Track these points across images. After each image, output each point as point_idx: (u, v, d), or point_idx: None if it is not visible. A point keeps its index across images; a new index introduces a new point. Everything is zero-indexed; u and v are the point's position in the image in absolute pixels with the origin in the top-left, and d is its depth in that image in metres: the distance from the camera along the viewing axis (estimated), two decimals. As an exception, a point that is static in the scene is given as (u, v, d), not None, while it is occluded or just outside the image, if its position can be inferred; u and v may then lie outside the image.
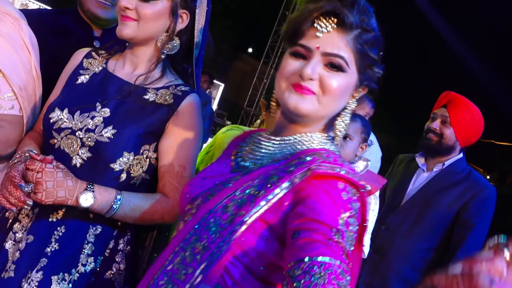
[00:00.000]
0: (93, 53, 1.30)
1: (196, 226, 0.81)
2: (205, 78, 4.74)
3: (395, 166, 2.47)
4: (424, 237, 2.14)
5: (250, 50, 11.73)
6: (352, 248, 0.76)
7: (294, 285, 0.66)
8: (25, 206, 1.00)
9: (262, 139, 0.94)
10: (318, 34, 0.83)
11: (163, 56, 1.23)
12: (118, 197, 1.09)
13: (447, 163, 2.20)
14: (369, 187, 1.74)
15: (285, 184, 0.78)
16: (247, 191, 0.81)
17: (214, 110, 3.56)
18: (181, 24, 1.22)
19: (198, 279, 0.77)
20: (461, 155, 2.21)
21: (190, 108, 1.20)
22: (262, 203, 0.77)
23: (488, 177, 9.87)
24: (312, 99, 0.83)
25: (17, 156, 1.13)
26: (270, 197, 0.77)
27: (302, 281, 0.65)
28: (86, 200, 1.05)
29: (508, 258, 0.38)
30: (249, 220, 0.77)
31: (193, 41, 1.27)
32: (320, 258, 0.67)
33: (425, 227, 2.14)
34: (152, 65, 1.22)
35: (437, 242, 2.13)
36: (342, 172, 0.78)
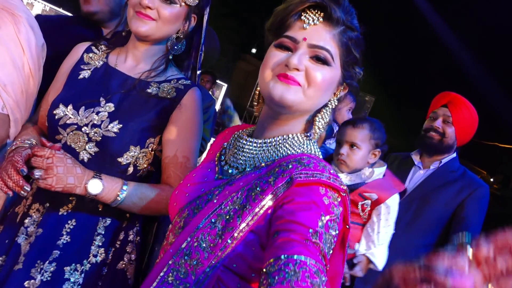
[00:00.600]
0: (93, 48, 1.31)
1: (185, 242, 0.82)
2: (208, 78, 4.75)
3: (388, 165, 2.50)
4: (422, 234, 2.16)
5: (253, 50, 11.71)
6: (331, 252, 0.78)
7: (269, 281, 0.67)
8: (22, 192, 1.01)
9: (244, 142, 0.93)
10: (305, 25, 0.83)
11: (171, 57, 1.27)
12: (124, 187, 1.11)
13: (443, 161, 2.22)
14: (375, 196, 1.64)
15: (269, 197, 0.79)
16: (232, 205, 0.81)
17: (217, 110, 3.57)
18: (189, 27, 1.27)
19: None
20: (455, 154, 2.25)
21: (192, 101, 1.23)
22: (249, 218, 0.78)
23: (491, 179, 9.82)
24: (297, 90, 0.83)
25: (16, 143, 1.15)
26: (256, 210, 0.79)
27: (276, 277, 0.66)
28: (95, 187, 1.06)
29: (470, 256, 0.39)
30: (239, 235, 0.78)
31: (198, 42, 1.31)
32: (295, 256, 0.68)
33: (422, 224, 2.16)
34: (157, 61, 1.25)
35: (434, 239, 2.15)
36: (323, 178, 0.79)
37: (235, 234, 0.78)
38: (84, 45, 1.32)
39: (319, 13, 0.84)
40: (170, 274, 0.82)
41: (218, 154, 0.99)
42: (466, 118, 2.15)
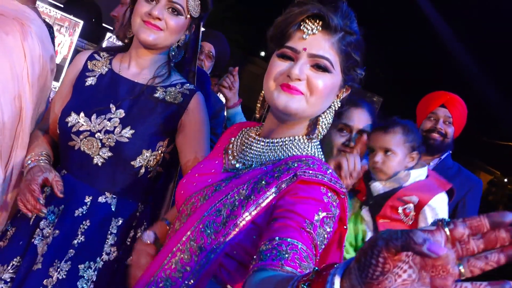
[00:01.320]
0: (95, 55, 1.36)
1: (192, 228, 0.86)
2: (215, 81, 4.77)
3: None
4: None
5: (262, 53, 11.74)
6: (323, 246, 0.81)
7: (261, 257, 0.72)
8: (40, 213, 1.11)
9: (252, 140, 0.98)
10: (304, 36, 0.87)
11: (172, 64, 1.34)
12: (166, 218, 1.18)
13: (442, 157, 2.25)
14: (415, 199, 1.58)
15: (273, 189, 0.84)
16: (237, 195, 0.86)
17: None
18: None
19: (196, 276, 0.83)
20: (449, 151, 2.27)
21: (198, 105, 1.30)
22: (252, 208, 0.83)
23: (505, 180, 9.67)
24: (300, 98, 0.87)
25: (32, 160, 1.21)
26: (260, 201, 0.83)
27: (268, 254, 0.71)
28: (149, 236, 1.13)
29: (448, 233, 0.42)
30: (242, 223, 0.82)
31: (194, 48, 1.38)
32: (289, 239, 0.73)
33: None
34: (160, 68, 1.31)
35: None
36: (325, 179, 0.84)
37: (238, 222, 0.82)
38: (86, 53, 1.37)
39: (318, 22, 0.87)
40: (176, 259, 0.86)
41: (225, 148, 1.04)
42: (463, 116, 2.19)
